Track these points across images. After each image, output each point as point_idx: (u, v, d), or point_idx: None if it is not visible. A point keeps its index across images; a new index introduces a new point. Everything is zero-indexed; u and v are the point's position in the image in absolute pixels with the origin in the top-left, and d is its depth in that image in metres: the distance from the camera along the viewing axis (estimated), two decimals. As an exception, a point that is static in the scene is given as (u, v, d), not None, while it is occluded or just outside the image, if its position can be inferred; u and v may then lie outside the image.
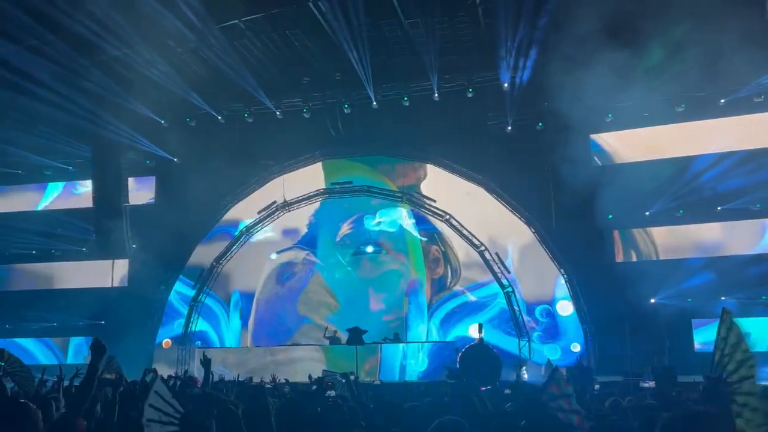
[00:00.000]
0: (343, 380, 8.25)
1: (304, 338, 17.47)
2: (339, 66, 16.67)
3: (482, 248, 16.93)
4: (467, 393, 4.67)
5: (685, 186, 15.42)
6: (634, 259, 16.41)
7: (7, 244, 19.56)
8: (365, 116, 17.67)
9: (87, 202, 18.42)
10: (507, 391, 8.37)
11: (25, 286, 20.09)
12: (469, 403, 4.37)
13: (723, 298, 14.82)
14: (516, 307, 16.39)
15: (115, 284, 19.19)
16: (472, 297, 17.16)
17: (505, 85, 16.17)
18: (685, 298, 15.10)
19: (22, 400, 3.09)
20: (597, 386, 10.81)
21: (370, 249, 17.97)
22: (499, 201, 17.12)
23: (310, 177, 18.60)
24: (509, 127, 16.76)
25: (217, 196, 18.38)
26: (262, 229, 18.74)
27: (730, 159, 15.03)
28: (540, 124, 16.57)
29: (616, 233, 16.49)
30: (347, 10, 13.73)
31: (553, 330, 16.51)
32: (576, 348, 16.12)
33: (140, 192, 19.51)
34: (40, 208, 20.38)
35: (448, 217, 17.28)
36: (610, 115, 16.12)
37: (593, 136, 16.69)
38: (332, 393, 7.63)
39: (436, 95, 16.75)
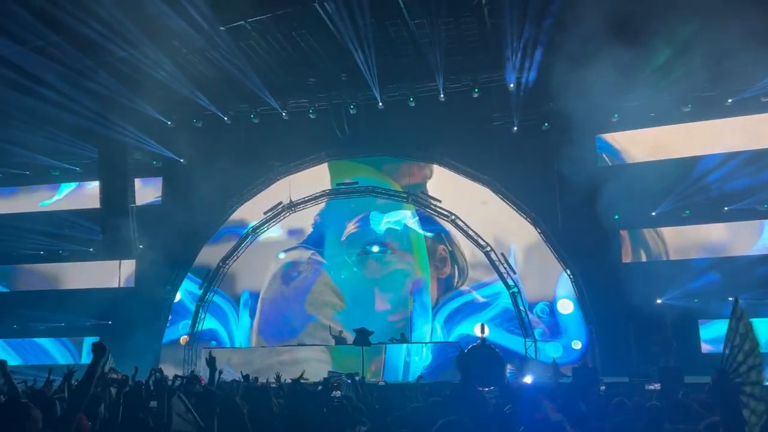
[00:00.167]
0: (349, 381, 8.27)
1: (309, 338, 17.48)
2: (345, 67, 16.70)
3: (488, 249, 16.92)
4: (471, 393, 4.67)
5: (692, 186, 15.35)
6: (644, 259, 16.36)
7: (14, 244, 19.66)
8: (371, 117, 17.69)
9: (94, 203, 18.50)
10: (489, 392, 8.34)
11: (33, 287, 20.20)
12: (473, 402, 4.37)
13: (730, 298, 14.71)
14: (522, 308, 16.38)
15: (122, 284, 19.26)
16: (479, 297, 17.16)
17: (511, 85, 16.15)
18: (691, 299, 15.04)
19: (24, 400, 3.11)
20: (603, 387, 10.79)
21: (375, 249, 17.99)
22: (504, 201, 17.09)
23: (316, 178, 18.64)
24: (515, 128, 16.74)
25: (223, 196, 18.43)
26: (268, 229, 18.79)
27: (737, 159, 14.95)
28: (546, 124, 16.55)
29: (625, 233, 16.44)
30: (353, 11, 13.74)
31: (554, 328, 16.53)
32: (577, 345, 16.15)
33: (147, 192, 19.58)
34: (53, 201, 20.46)
35: (453, 217, 17.28)
36: (616, 116, 16.08)
37: (603, 136, 16.66)
38: (338, 393, 7.64)
39: (442, 96, 16.75)
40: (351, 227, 18.41)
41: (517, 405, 4.25)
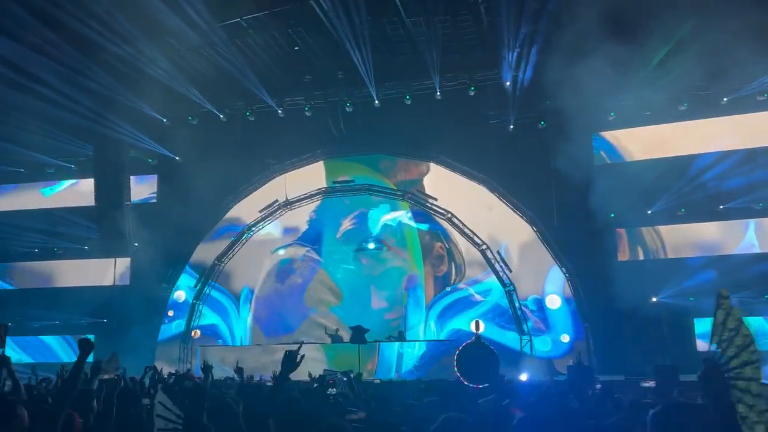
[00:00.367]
0: (344, 378, 8.26)
1: (304, 337, 17.47)
2: (341, 64, 16.66)
3: (484, 247, 16.95)
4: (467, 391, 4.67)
5: (687, 185, 15.39)
6: (642, 257, 16.40)
7: (9, 242, 19.58)
8: (367, 115, 17.67)
9: (89, 200, 18.44)
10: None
11: (28, 285, 20.14)
12: (470, 400, 4.37)
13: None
14: (517, 305, 16.45)
15: (118, 282, 19.21)
16: (476, 295, 17.23)
17: (507, 83, 16.15)
18: (687, 297, 15.07)
19: (11, 398, 3.13)
20: (598, 385, 10.79)
21: (371, 245, 18.00)
22: (501, 200, 17.12)
23: (312, 176, 18.64)
24: (511, 126, 16.74)
25: (219, 194, 18.40)
26: (264, 227, 18.77)
27: (733, 158, 15.00)
28: (542, 122, 16.57)
29: (622, 231, 16.48)
30: (349, 9, 13.71)
31: (543, 323, 16.64)
32: (565, 339, 16.35)
33: (142, 190, 19.54)
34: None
35: (449, 215, 17.30)
36: (612, 114, 16.11)
37: (599, 134, 16.70)
38: (333, 391, 7.63)
39: (438, 94, 16.74)
40: (347, 224, 18.42)
41: (512, 402, 4.25)
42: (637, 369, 13.41)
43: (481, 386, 8.90)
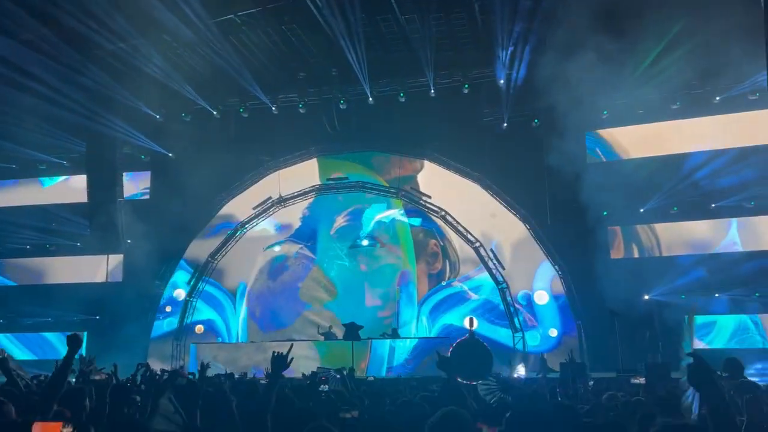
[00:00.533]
0: (338, 376, 8.27)
1: (297, 334, 17.49)
2: (335, 61, 16.63)
3: (477, 244, 16.99)
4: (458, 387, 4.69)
5: (680, 183, 15.47)
6: (636, 254, 16.49)
7: (1, 238, 19.48)
8: (361, 112, 17.65)
9: (82, 197, 18.36)
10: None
11: (20, 281, 20.04)
12: (461, 396, 4.39)
13: (717, 294, 14.91)
14: (510, 301, 16.54)
15: (110, 279, 19.14)
16: (470, 292, 17.31)
17: (501, 81, 16.19)
18: (678, 295, 15.17)
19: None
20: (591, 382, 10.85)
21: (365, 242, 18.03)
22: (494, 197, 17.16)
23: (305, 172, 18.62)
24: (505, 124, 16.78)
25: (212, 191, 18.35)
26: (258, 224, 18.75)
27: (725, 156, 15.09)
28: (536, 120, 16.60)
29: (617, 228, 16.56)
30: (343, 6, 13.70)
31: (532, 318, 16.77)
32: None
33: (135, 187, 19.47)
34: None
35: (443, 213, 17.33)
36: (605, 112, 16.16)
37: (593, 132, 16.76)
38: (325, 387, 7.64)
39: (432, 91, 16.74)
40: (340, 221, 18.44)
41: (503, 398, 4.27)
42: (628, 366, 13.47)
43: (474, 383, 8.91)
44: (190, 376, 8.18)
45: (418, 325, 17.42)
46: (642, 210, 15.90)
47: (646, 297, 15.34)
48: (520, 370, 14.24)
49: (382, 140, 17.91)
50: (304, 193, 18.45)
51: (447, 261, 17.76)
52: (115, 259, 19.15)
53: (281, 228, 18.91)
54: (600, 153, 16.82)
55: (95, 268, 19.37)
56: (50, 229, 19.29)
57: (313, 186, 18.48)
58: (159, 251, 17.79)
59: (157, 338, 18.45)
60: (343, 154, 18.55)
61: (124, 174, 18.50)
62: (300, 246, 18.68)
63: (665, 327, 14.61)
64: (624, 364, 13.35)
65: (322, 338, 16.11)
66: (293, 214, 18.79)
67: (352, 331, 15.45)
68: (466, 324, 14.89)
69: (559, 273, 16.47)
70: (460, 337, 14.51)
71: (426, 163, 18.10)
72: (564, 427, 2.91)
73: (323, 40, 15.72)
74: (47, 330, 19.14)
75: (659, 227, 16.37)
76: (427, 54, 15.55)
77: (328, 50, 16.15)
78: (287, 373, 4.02)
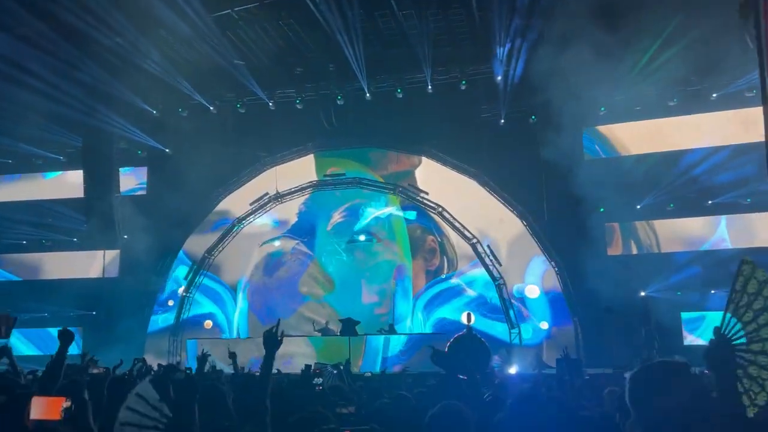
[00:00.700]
0: (335, 371, 8.27)
1: (293, 331, 17.49)
2: (332, 57, 16.61)
3: (474, 241, 17.01)
4: (457, 381, 4.70)
5: (677, 180, 15.51)
6: (635, 251, 16.53)
7: (-3, 234, 19.46)
8: (358, 108, 17.63)
9: (78, 192, 18.31)
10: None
11: (16, 276, 19.99)
12: (459, 390, 4.40)
13: (712, 291, 14.95)
14: (506, 297, 16.62)
15: (107, 275, 19.12)
16: (468, 289, 17.37)
17: (499, 77, 16.19)
18: (674, 291, 15.22)
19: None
20: (587, 377, 10.87)
21: (362, 237, 18.06)
22: (491, 194, 17.17)
23: (302, 169, 18.61)
24: (502, 120, 16.78)
25: (209, 186, 18.33)
26: (255, 220, 18.75)
27: (721, 153, 15.11)
28: (533, 117, 16.59)
29: (616, 225, 16.60)
30: (341, 2, 13.68)
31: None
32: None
33: (131, 182, 19.44)
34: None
35: (440, 209, 17.34)
36: (603, 109, 16.17)
37: (591, 128, 16.79)
38: (319, 380, 7.66)
39: (430, 87, 16.73)
40: (337, 217, 18.45)
41: (499, 393, 4.28)
42: (624, 362, 13.50)
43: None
44: (187, 371, 8.18)
45: (413, 319, 17.48)
46: (638, 207, 15.92)
47: (642, 293, 15.38)
48: (515, 367, 14.28)
49: (379, 136, 17.90)
50: (301, 189, 18.43)
51: (445, 257, 17.80)
52: (112, 255, 19.12)
53: (278, 224, 18.91)
54: (598, 149, 16.85)
55: (91, 264, 19.34)
56: (46, 225, 19.25)
57: (310, 182, 18.47)
58: (155, 246, 17.78)
59: (153, 334, 18.44)
60: (339, 151, 18.53)
61: (120, 169, 18.47)
62: (296, 242, 18.69)
63: (661, 323, 14.66)
64: (620, 361, 13.39)
65: (318, 334, 16.11)
66: (290, 210, 18.79)
67: (348, 327, 15.47)
68: (464, 319, 14.91)
69: (556, 269, 16.50)
70: (457, 332, 14.55)
71: (423, 158, 18.11)
72: (559, 420, 2.92)
73: (321, 36, 15.69)
74: (42, 326, 19.10)
75: (658, 224, 16.41)
76: (425, 50, 15.54)
77: (326, 46, 16.12)
78: (285, 369, 4.02)
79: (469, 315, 14.68)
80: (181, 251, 19.15)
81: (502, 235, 17.35)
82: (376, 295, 17.75)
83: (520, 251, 17.10)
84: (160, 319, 18.71)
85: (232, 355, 6.46)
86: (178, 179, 16.94)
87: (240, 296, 18.83)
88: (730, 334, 2.50)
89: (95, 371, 6.76)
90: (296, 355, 15.22)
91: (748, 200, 15.18)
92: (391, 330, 16.25)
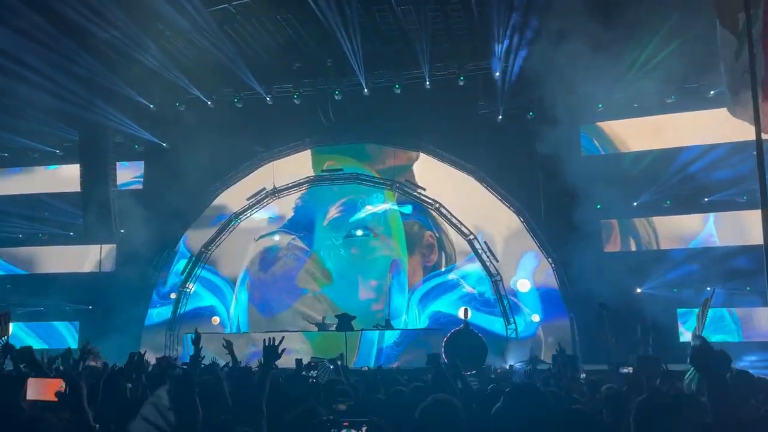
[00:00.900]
0: (331, 366, 8.29)
1: (290, 327, 17.52)
2: (330, 52, 16.58)
3: (471, 237, 17.03)
4: (449, 378, 4.72)
5: (673, 177, 15.55)
6: (634, 248, 16.57)
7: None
8: (356, 103, 17.61)
9: (75, 186, 18.28)
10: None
11: (10, 270, 19.97)
12: (451, 386, 4.43)
13: (708, 288, 14.98)
14: (503, 292, 16.66)
15: (103, 269, 19.09)
16: (467, 286, 17.41)
17: (497, 74, 16.18)
18: (670, 288, 15.27)
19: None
20: (583, 375, 10.91)
21: (359, 233, 18.10)
22: (488, 190, 17.19)
23: (299, 164, 18.61)
24: (500, 116, 16.78)
25: (206, 181, 18.32)
26: (252, 215, 18.75)
27: (718, 151, 15.13)
28: (531, 113, 16.59)
29: (615, 222, 16.64)
30: (339, -4, 13.66)
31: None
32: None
33: (128, 176, 19.40)
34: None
35: (437, 205, 17.35)
36: (600, 105, 16.18)
37: (589, 125, 16.82)
38: (314, 373, 7.69)
39: (428, 83, 16.71)
40: (333, 212, 18.46)
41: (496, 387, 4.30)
42: (620, 359, 13.55)
43: (468, 373, 8.98)
44: (184, 366, 8.19)
45: (408, 312, 17.58)
46: (635, 204, 15.96)
47: (639, 290, 15.43)
48: (511, 362, 14.35)
49: (376, 132, 17.89)
50: (298, 184, 18.42)
51: (443, 253, 17.85)
52: (108, 249, 19.10)
53: (275, 218, 18.93)
54: (597, 144, 16.87)
55: (88, 258, 19.32)
56: (43, 218, 19.22)
57: (308, 177, 18.46)
58: (152, 241, 17.76)
59: (150, 328, 18.44)
60: (337, 146, 18.52)
61: (118, 164, 18.43)
62: (293, 237, 18.71)
63: (656, 320, 14.72)
64: (615, 357, 13.44)
65: (315, 329, 16.13)
66: (286, 205, 18.81)
67: (345, 322, 15.50)
68: (461, 314, 14.97)
69: (552, 266, 16.53)
70: (455, 328, 14.60)
71: (421, 155, 18.12)
72: (551, 412, 2.93)
73: (319, 31, 15.64)
74: (40, 320, 19.10)
75: (657, 220, 16.46)
76: (423, 46, 15.52)
77: (324, 41, 16.08)
78: (281, 364, 4.04)
79: (466, 310, 14.73)
80: (182, 246, 19.17)
81: (498, 231, 17.39)
82: (373, 291, 17.79)
83: (513, 247, 17.22)
84: (155, 313, 18.74)
85: (228, 345, 6.45)
86: (175, 174, 16.91)
87: (240, 290, 18.86)
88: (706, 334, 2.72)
89: (93, 364, 6.76)
90: (291, 351, 15.21)
91: (744, 198, 15.21)
92: (388, 325, 16.28)
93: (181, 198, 17.79)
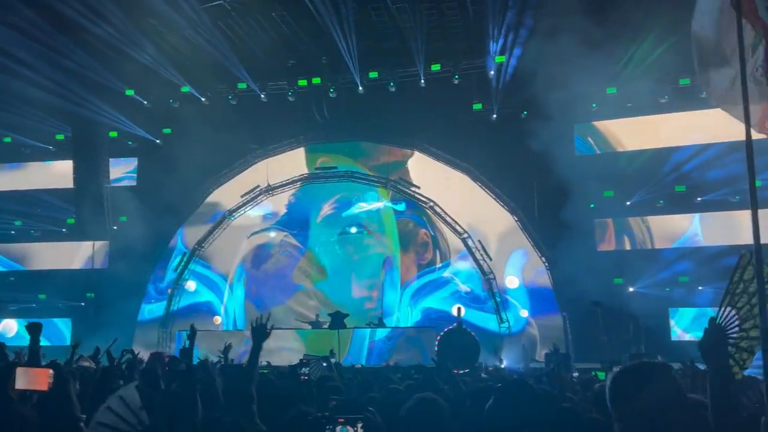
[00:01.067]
0: (324, 363, 8.28)
1: (283, 324, 17.52)
2: (325, 50, 16.55)
3: (465, 235, 17.06)
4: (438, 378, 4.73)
5: (667, 176, 15.60)
6: (628, 247, 16.63)
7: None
8: (351, 101, 17.59)
9: (68, 182, 18.20)
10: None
11: (3, 267, 19.88)
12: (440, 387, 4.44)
13: (700, 287, 15.08)
14: (496, 290, 16.71)
15: (96, 265, 19.02)
16: (462, 285, 17.44)
17: (491, 72, 16.19)
18: (662, 287, 15.33)
19: None
20: (576, 373, 10.95)
21: (354, 230, 18.10)
22: (483, 189, 17.21)
23: (293, 161, 18.59)
24: (494, 115, 16.79)
25: (199, 178, 18.28)
26: (246, 212, 18.73)
27: (711, 150, 15.19)
28: (525, 112, 16.59)
29: (609, 221, 16.69)
30: (335, -6, 13.63)
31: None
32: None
33: (122, 173, 19.33)
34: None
35: (431, 204, 17.36)
36: (594, 105, 16.21)
37: (583, 124, 16.87)
38: (305, 370, 7.68)
39: (423, 81, 16.70)
40: (327, 208, 18.46)
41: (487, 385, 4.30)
42: (612, 358, 13.60)
43: (461, 371, 8.99)
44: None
45: (400, 308, 17.66)
46: (628, 203, 16.00)
47: (631, 289, 15.48)
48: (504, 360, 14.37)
49: (371, 130, 17.89)
50: (292, 182, 18.40)
51: (438, 251, 17.88)
52: (101, 245, 19.03)
53: (269, 216, 18.92)
54: (592, 142, 16.90)
55: (81, 254, 19.24)
56: (35, 215, 19.12)
57: (302, 175, 18.44)
58: (146, 237, 17.69)
59: (143, 325, 18.38)
60: (330, 144, 18.50)
61: (111, 160, 18.36)
62: (285, 233, 18.71)
63: (648, 319, 14.77)
64: (608, 356, 13.49)
65: (309, 326, 16.12)
66: (279, 202, 18.81)
67: (338, 320, 15.47)
68: (454, 312, 14.97)
69: (546, 264, 16.57)
70: (448, 326, 14.60)
71: (416, 153, 18.14)
72: (542, 410, 2.95)
73: (314, 29, 15.61)
74: (32, 317, 19.00)
75: (652, 220, 16.52)
76: (418, 44, 15.50)
77: (319, 38, 16.05)
78: (274, 362, 4.03)
79: (459, 309, 14.71)
80: (180, 243, 19.12)
81: (491, 229, 17.41)
82: (366, 290, 17.80)
83: (505, 245, 17.30)
84: (146, 309, 18.71)
85: (226, 350, 6.46)
86: (168, 170, 16.86)
87: (237, 286, 18.86)
88: (725, 324, 2.54)
89: (85, 364, 6.74)
90: (283, 350, 15.23)
91: (737, 197, 15.27)
92: (380, 323, 16.30)
93: (175, 194, 17.71)
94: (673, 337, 15.49)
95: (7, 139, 18.72)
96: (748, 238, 3.11)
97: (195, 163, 16.88)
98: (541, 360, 14.60)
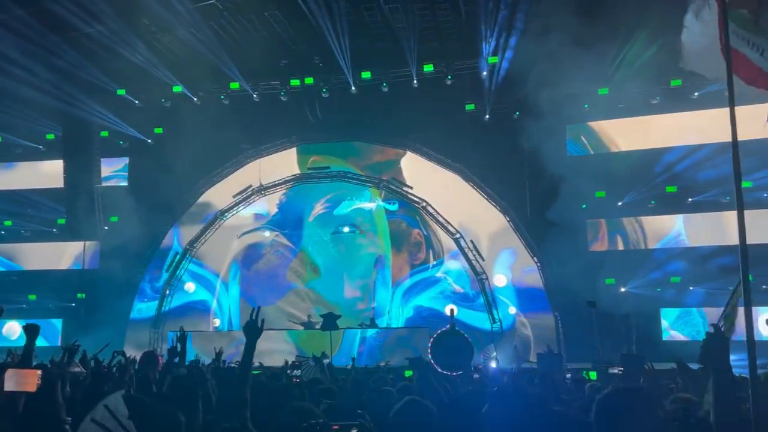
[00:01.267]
0: (313, 363, 8.25)
1: (275, 325, 17.47)
2: (318, 50, 16.52)
3: (457, 236, 17.08)
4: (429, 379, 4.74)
5: (658, 177, 15.67)
6: (621, 247, 16.69)
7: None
8: (343, 101, 17.57)
9: (58, 182, 18.08)
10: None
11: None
12: (433, 388, 4.44)
13: (691, 287, 15.15)
14: (488, 290, 16.75)
15: (87, 266, 18.91)
16: (455, 285, 17.50)
17: (484, 73, 16.23)
18: (654, 288, 15.40)
19: None
20: (568, 375, 10.97)
21: (346, 229, 18.10)
22: (475, 189, 17.24)
23: (285, 161, 18.55)
24: (487, 116, 16.83)
25: (191, 178, 18.20)
26: (238, 212, 18.67)
27: (702, 151, 15.28)
28: (517, 113, 16.63)
29: (602, 221, 16.76)
30: (328, -6, 13.62)
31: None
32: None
33: (113, 173, 19.22)
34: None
35: (424, 204, 17.37)
36: (586, 106, 16.26)
37: (575, 125, 16.93)
38: (297, 372, 7.65)
39: (415, 82, 16.70)
40: (319, 208, 18.45)
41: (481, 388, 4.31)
42: (604, 358, 13.64)
43: (454, 374, 8.98)
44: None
45: (391, 306, 17.69)
46: (620, 203, 16.07)
47: (623, 289, 15.54)
48: (492, 364, 14.37)
49: (364, 130, 17.88)
50: (285, 182, 18.36)
51: (431, 251, 17.90)
52: (92, 245, 18.92)
53: (260, 215, 18.88)
54: (585, 141, 16.96)
55: (71, 254, 19.12)
56: (26, 215, 19.00)
57: (295, 175, 18.41)
58: (137, 238, 17.59)
59: (134, 325, 18.29)
60: (322, 145, 18.47)
61: (102, 160, 18.26)
62: (277, 233, 18.68)
63: (640, 319, 14.84)
64: (600, 356, 13.53)
65: (300, 327, 16.09)
66: (271, 202, 18.79)
67: (330, 321, 15.41)
68: (447, 312, 14.95)
69: (537, 264, 16.61)
70: (441, 328, 14.58)
71: (408, 154, 18.15)
72: (532, 414, 2.95)
73: (306, 28, 15.58)
74: (22, 317, 18.85)
75: (645, 220, 16.60)
76: (411, 44, 15.51)
77: (312, 38, 16.02)
78: (266, 363, 4.02)
79: (452, 309, 14.68)
80: (176, 243, 19.04)
81: (483, 229, 17.44)
82: (359, 290, 17.80)
83: (495, 244, 17.38)
84: (137, 308, 18.62)
85: (218, 354, 6.43)
86: (160, 170, 16.78)
87: (232, 285, 18.81)
88: (724, 329, 2.63)
89: (76, 370, 6.69)
90: (274, 351, 15.17)
91: (728, 198, 15.37)
92: (372, 324, 16.29)
93: (167, 194, 17.64)
94: (665, 337, 15.56)
95: (-3, 139, 18.60)
96: (737, 239, 3.15)
97: (187, 163, 16.82)
98: (534, 361, 14.62)
